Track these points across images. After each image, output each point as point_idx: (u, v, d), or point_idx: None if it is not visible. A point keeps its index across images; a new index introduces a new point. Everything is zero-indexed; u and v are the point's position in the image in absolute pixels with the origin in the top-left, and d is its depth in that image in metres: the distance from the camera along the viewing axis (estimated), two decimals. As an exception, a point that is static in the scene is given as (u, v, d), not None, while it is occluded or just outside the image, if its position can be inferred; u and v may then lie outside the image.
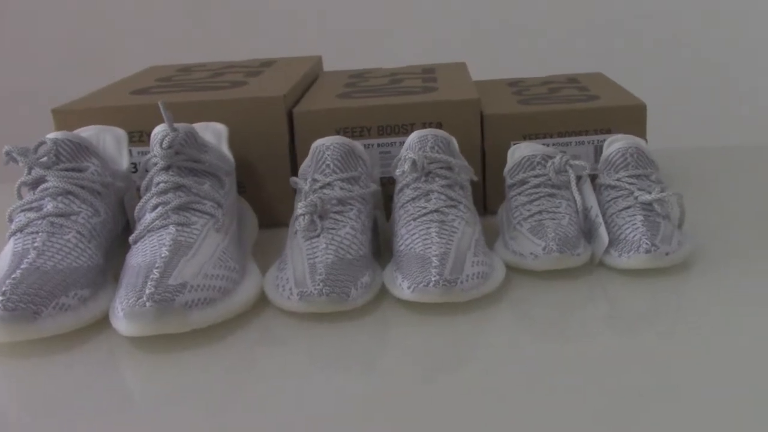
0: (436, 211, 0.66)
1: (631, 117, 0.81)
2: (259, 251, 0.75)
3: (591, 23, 1.89)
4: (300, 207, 0.66)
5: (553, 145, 0.81)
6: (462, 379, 0.52)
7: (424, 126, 0.79)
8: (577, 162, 0.71)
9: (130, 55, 1.90)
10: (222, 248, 0.63)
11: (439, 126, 0.79)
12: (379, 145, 0.80)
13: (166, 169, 0.66)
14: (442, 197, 0.67)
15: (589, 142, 0.81)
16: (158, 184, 0.65)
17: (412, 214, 0.66)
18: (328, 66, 1.26)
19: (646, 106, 0.81)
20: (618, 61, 1.73)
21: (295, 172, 0.81)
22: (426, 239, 0.63)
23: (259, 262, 0.71)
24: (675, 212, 0.77)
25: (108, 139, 0.74)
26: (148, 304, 0.55)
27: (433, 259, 0.61)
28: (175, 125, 0.67)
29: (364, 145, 0.80)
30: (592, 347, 0.55)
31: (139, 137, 0.79)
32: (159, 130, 0.67)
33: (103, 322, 0.61)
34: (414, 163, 0.67)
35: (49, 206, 0.64)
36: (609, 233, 0.68)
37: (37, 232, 0.63)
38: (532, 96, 0.88)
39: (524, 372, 0.53)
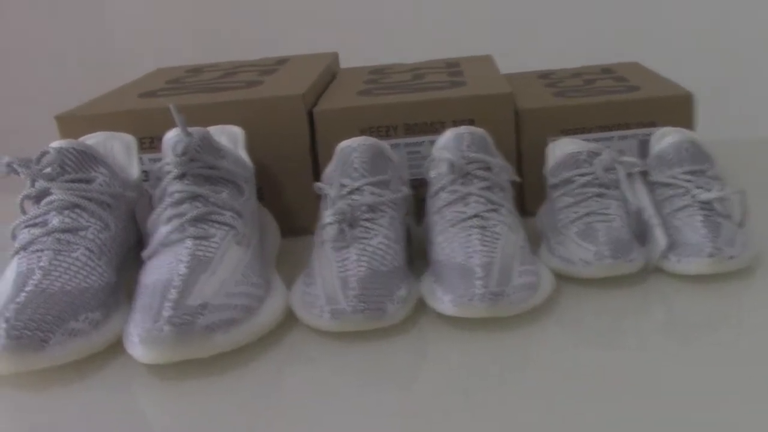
0: (476, 216, 0.60)
1: (677, 108, 0.75)
2: (280, 261, 0.70)
3: (605, 14, 1.83)
4: (328, 215, 0.60)
5: (594, 140, 0.75)
6: (509, 399, 0.47)
7: (454, 123, 0.74)
8: (627, 158, 0.65)
9: (133, 56, 1.86)
10: (244, 263, 0.58)
11: (471, 123, 0.74)
12: (406, 145, 0.74)
13: (181, 177, 0.61)
14: (482, 200, 0.61)
15: (632, 137, 0.76)
16: (172, 194, 0.60)
17: (450, 219, 0.61)
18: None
19: (693, 96, 0.76)
20: (642, 52, 1.67)
21: (316, 176, 0.76)
22: (467, 248, 0.58)
23: (281, 273, 0.66)
24: (735, 211, 0.71)
25: (116, 147, 0.69)
26: (166, 328, 0.50)
27: (477, 269, 0.55)
28: (189, 129, 0.62)
29: (390, 146, 0.74)
30: (650, 360, 0.50)
31: (149, 143, 0.74)
32: (171, 136, 0.62)
33: (117, 347, 0.56)
34: (451, 164, 0.62)
35: (55, 221, 0.59)
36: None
37: (43, 250, 0.57)
38: (567, 88, 0.82)
39: (577, 390, 0.48)
